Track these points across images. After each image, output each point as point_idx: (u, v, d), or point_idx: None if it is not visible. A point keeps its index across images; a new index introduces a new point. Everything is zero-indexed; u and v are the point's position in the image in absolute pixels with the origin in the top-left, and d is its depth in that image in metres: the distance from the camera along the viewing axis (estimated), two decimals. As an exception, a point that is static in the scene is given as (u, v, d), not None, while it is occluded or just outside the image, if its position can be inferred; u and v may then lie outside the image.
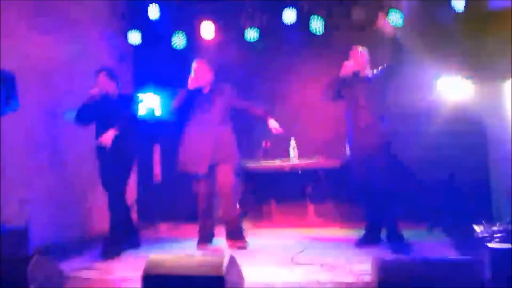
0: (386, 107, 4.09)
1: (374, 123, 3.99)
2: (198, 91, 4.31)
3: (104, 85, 4.27)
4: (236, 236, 4.30)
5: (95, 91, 4.20)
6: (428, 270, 2.52)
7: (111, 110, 4.24)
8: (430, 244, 4.20)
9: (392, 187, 4.01)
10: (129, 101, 4.43)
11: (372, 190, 4.01)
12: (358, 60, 4.13)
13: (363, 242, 4.14)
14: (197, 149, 4.23)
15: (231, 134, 4.39)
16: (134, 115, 4.44)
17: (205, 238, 4.34)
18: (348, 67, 4.08)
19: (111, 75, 4.36)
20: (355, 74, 4.13)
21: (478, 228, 3.46)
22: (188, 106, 4.30)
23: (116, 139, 4.14)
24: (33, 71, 4.39)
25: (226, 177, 4.25)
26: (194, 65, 4.38)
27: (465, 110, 5.06)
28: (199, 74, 4.31)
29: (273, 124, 4.37)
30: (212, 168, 4.25)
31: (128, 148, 4.33)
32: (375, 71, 4.18)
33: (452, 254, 3.78)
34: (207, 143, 4.21)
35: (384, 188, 3.96)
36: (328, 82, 4.23)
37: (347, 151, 4.24)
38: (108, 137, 4.11)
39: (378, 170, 3.96)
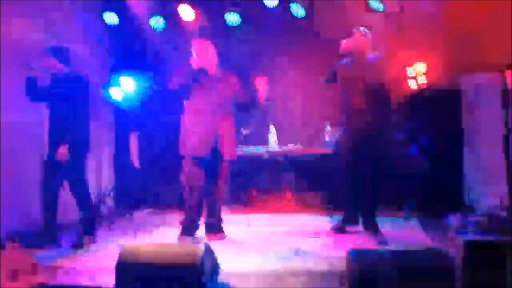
0: (383, 93, 4.02)
1: (370, 108, 3.93)
2: (202, 72, 4.10)
3: (51, 65, 4.13)
4: (216, 228, 4.25)
5: (44, 69, 4.10)
6: (400, 260, 2.55)
7: (59, 90, 4.09)
8: (406, 233, 4.25)
9: (376, 174, 4.00)
10: (78, 82, 4.21)
11: (359, 175, 4.00)
12: (358, 40, 4.05)
13: (341, 225, 4.18)
14: (200, 132, 4.06)
15: (233, 125, 4.22)
16: (82, 96, 4.20)
17: (189, 230, 4.17)
18: (347, 44, 4.02)
19: (57, 54, 4.18)
20: (355, 56, 4.06)
21: (452, 219, 3.51)
22: (189, 87, 4.10)
23: (66, 123, 4.03)
24: (8, 54, 4.25)
25: (223, 168, 4.18)
26: (195, 45, 4.16)
27: (441, 99, 5.10)
28: (203, 55, 4.10)
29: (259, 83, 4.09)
30: (212, 153, 4.10)
31: (80, 131, 4.17)
32: (376, 54, 4.08)
33: (426, 244, 3.83)
34: (210, 128, 4.05)
35: (369, 174, 3.96)
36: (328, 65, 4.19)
37: (338, 135, 4.21)
38: (63, 153, 4.00)
39: (368, 156, 3.95)
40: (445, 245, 3.17)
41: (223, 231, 4.27)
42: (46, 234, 4.13)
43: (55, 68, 4.14)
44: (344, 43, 4.07)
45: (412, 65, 5.02)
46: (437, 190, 4.88)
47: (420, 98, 5.14)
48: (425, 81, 5.01)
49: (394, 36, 4.97)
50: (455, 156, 5.06)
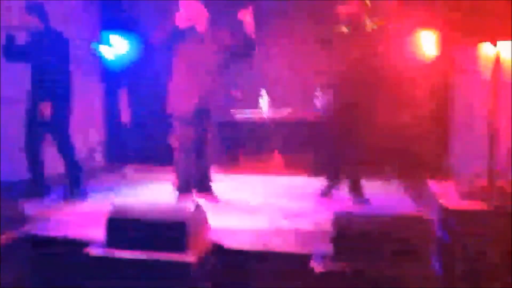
0: (378, 60, 4.00)
1: (363, 75, 3.92)
2: (190, 30, 4.01)
3: (25, 20, 4.07)
4: (206, 188, 4.27)
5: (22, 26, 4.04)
6: (382, 224, 2.65)
7: (37, 48, 4.05)
8: (388, 198, 4.35)
9: (365, 139, 4.04)
10: (56, 39, 4.16)
11: (348, 140, 4.04)
12: (356, 7, 3.99)
13: (327, 191, 4.23)
14: (185, 91, 4.04)
15: (219, 82, 4.17)
16: (61, 53, 4.16)
17: (185, 191, 4.13)
18: (345, 11, 3.96)
19: (33, 11, 4.10)
20: (353, 25, 3.99)
21: (433, 183, 3.61)
22: (175, 44, 4.02)
23: (47, 81, 4.02)
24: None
25: (209, 125, 4.18)
26: (183, 4, 4.02)
27: (433, 64, 5.12)
28: (190, 11, 3.99)
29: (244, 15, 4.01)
30: (198, 113, 4.07)
31: (61, 88, 4.15)
32: (372, 25, 4.05)
33: (407, 208, 3.93)
34: (195, 86, 4.01)
35: (358, 139, 4.02)
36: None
37: (329, 99, 4.22)
38: (46, 111, 4.00)
39: (359, 121, 3.98)
40: (425, 210, 3.28)
41: (212, 191, 4.31)
42: (33, 186, 4.18)
43: (32, 25, 4.05)
44: (341, 9, 4.00)
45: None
46: (420, 154, 4.96)
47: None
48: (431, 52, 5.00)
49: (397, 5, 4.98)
50: (440, 119, 5.13)
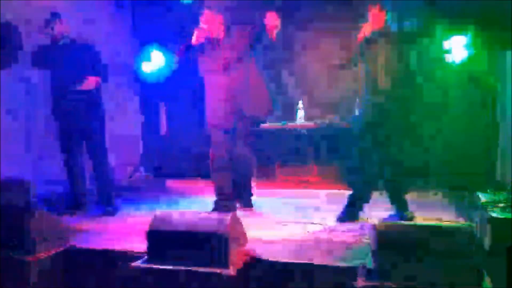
0: (409, 67, 3.85)
1: (394, 85, 3.80)
2: (210, 43, 4.11)
3: (63, 30, 4.15)
4: (246, 202, 4.28)
5: (63, 34, 4.12)
6: (425, 235, 2.55)
7: (69, 57, 4.13)
8: (434, 209, 4.20)
9: (402, 152, 3.88)
10: (88, 50, 4.25)
11: (380, 155, 3.90)
12: (377, 20, 3.85)
13: (344, 218, 3.95)
14: (219, 104, 4.10)
15: (249, 85, 4.13)
16: (94, 65, 4.24)
17: (223, 205, 4.11)
18: (366, 28, 3.83)
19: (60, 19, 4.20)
20: (375, 33, 3.87)
21: (482, 196, 3.46)
22: (196, 57, 4.12)
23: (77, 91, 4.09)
24: (32, 19, 4.32)
25: (246, 137, 4.18)
26: (203, 17, 4.12)
27: (475, 72, 4.97)
28: (211, 23, 4.07)
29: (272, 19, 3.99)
30: (236, 124, 4.12)
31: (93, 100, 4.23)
32: (399, 28, 3.94)
33: (455, 220, 3.80)
34: (227, 98, 4.07)
35: (393, 153, 3.86)
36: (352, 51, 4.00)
37: (360, 112, 4.13)
38: (92, 82, 4.08)
39: (392, 135, 3.83)
40: (473, 222, 3.15)
41: (251, 205, 4.29)
42: (74, 200, 4.27)
43: (65, 32, 4.14)
44: (361, 31, 3.84)
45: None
46: (468, 165, 4.80)
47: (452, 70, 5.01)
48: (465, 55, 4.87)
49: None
50: (488, 130, 4.95)
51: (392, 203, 3.95)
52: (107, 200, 4.26)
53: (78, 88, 4.09)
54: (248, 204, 4.30)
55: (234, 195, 4.23)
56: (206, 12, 4.15)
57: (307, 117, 5.53)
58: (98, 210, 4.27)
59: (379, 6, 3.84)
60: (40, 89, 4.48)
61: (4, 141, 4.13)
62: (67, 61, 4.10)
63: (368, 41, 3.83)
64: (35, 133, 4.54)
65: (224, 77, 4.09)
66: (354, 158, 4.03)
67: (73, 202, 4.27)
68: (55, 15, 4.15)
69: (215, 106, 4.13)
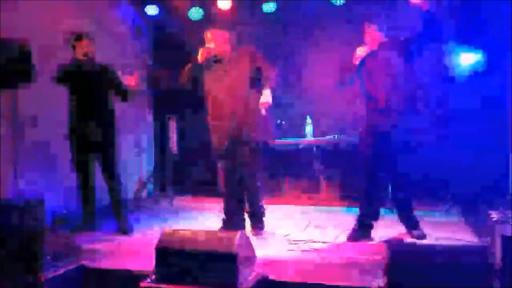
0: (406, 83, 3.78)
1: (390, 101, 3.73)
2: (215, 61, 4.01)
3: (89, 49, 4.20)
4: (256, 220, 4.14)
5: (84, 53, 4.15)
6: (438, 255, 2.52)
7: (92, 78, 4.18)
8: (446, 227, 4.16)
9: (406, 168, 3.80)
10: (111, 72, 4.30)
11: (383, 172, 3.85)
12: (371, 40, 3.81)
13: (354, 238, 3.88)
14: (217, 124, 3.99)
15: (253, 108, 3.93)
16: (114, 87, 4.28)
17: (230, 224, 4.00)
18: (361, 52, 3.79)
19: (94, 40, 4.27)
20: (370, 52, 3.82)
21: (494, 213, 3.41)
22: (197, 78, 4.02)
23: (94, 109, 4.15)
24: (49, 43, 4.39)
25: (246, 157, 3.97)
26: (208, 34, 4.02)
27: (487, 87, 4.94)
28: (215, 43, 3.97)
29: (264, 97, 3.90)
30: (233, 146, 3.96)
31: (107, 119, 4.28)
32: (394, 43, 3.83)
33: (467, 238, 3.75)
34: (225, 118, 3.95)
35: (397, 169, 3.80)
36: (342, 71, 3.96)
37: (360, 130, 4.02)
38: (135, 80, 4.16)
39: (392, 153, 3.76)
40: (487, 240, 3.10)
41: (262, 227, 4.13)
42: (85, 219, 4.26)
43: (88, 52, 4.19)
44: (356, 55, 3.80)
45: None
46: (481, 182, 4.75)
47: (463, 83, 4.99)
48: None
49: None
50: (501, 144, 4.90)
51: (401, 221, 3.90)
52: (121, 217, 4.25)
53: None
54: (258, 227, 4.14)
55: (243, 214, 4.16)
56: (212, 30, 4.06)
57: (315, 133, 5.53)
58: (111, 227, 4.26)
59: (376, 26, 3.78)
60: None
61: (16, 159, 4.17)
62: (87, 80, 4.16)
63: (364, 61, 3.80)
64: (47, 150, 4.57)
65: (227, 97, 3.93)
66: (358, 175, 3.96)
67: (84, 220, 4.27)
68: (79, 35, 4.22)
69: (214, 126, 4.02)
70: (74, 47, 4.18)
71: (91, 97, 4.17)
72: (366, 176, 3.86)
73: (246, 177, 4.03)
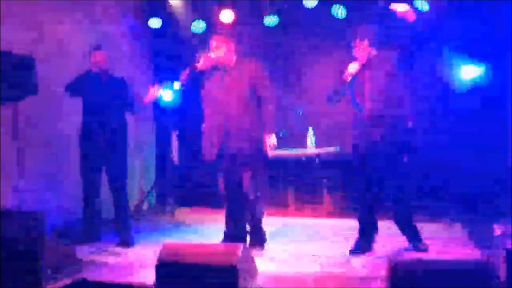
0: (399, 94, 3.74)
1: (382, 113, 3.68)
2: (217, 71, 3.92)
3: (103, 63, 4.22)
4: (256, 236, 4.01)
5: (98, 65, 4.16)
6: (440, 268, 2.49)
7: (104, 89, 4.18)
8: (449, 240, 4.12)
9: (402, 178, 3.78)
10: (123, 84, 4.31)
11: (378, 183, 3.80)
12: (362, 55, 3.78)
13: (357, 250, 3.83)
14: (211, 135, 3.91)
15: (252, 120, 3.86)
16: (126, 99, 4.30)
17: (232, 239, 3.86)
18: (353, 70, 3.76)
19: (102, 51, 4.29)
20: (369, 59, 3.79)
21: (498, 228, 3.38)
22: (196, 86, 3.96)
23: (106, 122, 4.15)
24: (52, 56, 4.42)
25: (253, 169, 3.87)
26: (213, 42, 3.93)
27: (489, 101, 4.93)
28: (217, 51, 3.88)
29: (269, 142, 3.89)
30: (232, 156, 3.86)
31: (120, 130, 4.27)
32: (385, 55, 3.80)
33: (470, 253, 3.71)
34: (218, 127, 3.86)
35: (392, 180, 3.77)
36: (333, 89, 3.92)
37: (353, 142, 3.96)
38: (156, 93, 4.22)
39: (385, 163, 3.72)
40: (489, 255, 3.07)
41: (262, 242, 4.00)
42: (88, 230, 4.24)
43: (101, 63, 4.20)
44: (347, 72, 3.76)
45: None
46: (484, 194, 4.72)
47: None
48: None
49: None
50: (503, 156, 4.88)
51: (403, 233, 3.84)
52: (124, 230, 4.22)
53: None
54: (258, 244, 3.99)
55: (245, 226, 4.06)
56: (216, 37, 3.98)
57: (317, 144, 5.51)
58: (112, 239, 4.23)
59: (367, 41, 3.76)
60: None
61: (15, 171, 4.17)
62: (98, 90, 4.17)
63: (354, 78, 3.78)
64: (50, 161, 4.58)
65: (221, 109, 3.84)
66: (355, 187, 3.94)
67: (88, 232, 4.25)
68: (96, 46, 4.26)
69: (209, 135, 3.94)
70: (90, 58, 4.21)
71: (103, 109, 4.17)
72: (360, 186, 3.84)
73: (250, 192, 3.91)
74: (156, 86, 4.33)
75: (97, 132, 4.17)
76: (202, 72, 3.92)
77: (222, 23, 5.56)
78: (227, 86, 3.89)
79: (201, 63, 3.88)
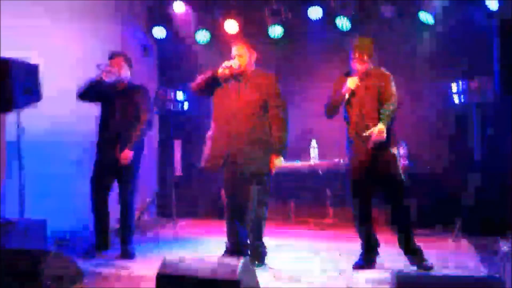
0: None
1: (373, 123, 3.62)
2: (234, 78, 3.76)
3: (120, 69, 4.15)
4: (257, 252, 3.88)
5: (109, 70, 4.07)
6: (446, 285, 2.44)
7: (119, 96, 4.14)
8: (454, 256, 4.08)
9: (398, 194, 3.70)
10: (140, 92, 4.23)
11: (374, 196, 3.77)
12: (360, 69, 3.76)
13: (360, 266, 3.76)
14: (216, 144, 3.78)
15: (260, 136, 3.75)
16: (144, 107, 4.21)
17: (232, 252, 3.70)
18: (352, 85, 3.72)
19: (129, 61, 4.25)
20: (364, 75, 3.77)
21: (504, 243, 3.33)
22: (210, 93, 3.82)
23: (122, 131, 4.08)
24: (57, 64, 4.43)
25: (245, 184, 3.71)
26: (235, 50, 3.80)
27: (488, 114, 4.90)
28: (239, 61, 3.74)
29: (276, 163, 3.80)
30: (233, 167, 3.72)
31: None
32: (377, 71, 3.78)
33: (476, 268, 3.67)
34: (227, 140, 3.73)
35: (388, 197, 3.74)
36: (329, 103, 3.89)
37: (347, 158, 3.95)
38: (128, 157, 4.05)
39: (378, 178, 3.69)
40: (496, 270, 3.02)
41: (263, 256, 3.90)
42: (99, 242, 4.16)
43: (124, 74, 4.16)
44: (345, 88, 3.73)
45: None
46: (489, 209, 4.65)
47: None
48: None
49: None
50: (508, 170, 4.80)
51: (405, 253, 3.72)
52: (126, 243, 4.16)
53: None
54: (260, 258, 3.89)
55: (247, 239, 3.91)
56: (239, 45, 3.82)
57: (321, 156, 5.48)
58: (115, 251, 4.18)
59: (366, 56, 3.72)
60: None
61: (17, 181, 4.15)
62: (113, 99, 4.13)
63: (353, 92, 3.75)
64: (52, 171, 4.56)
65: (232, 117, 3.72)
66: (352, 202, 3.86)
67: (93, 243, 4.19)
68: (112, 54, 4.21)
69: (213, 144, 3.81)
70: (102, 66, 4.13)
71: (117, 118, 4.11)
72: (355, 202, 3.79)
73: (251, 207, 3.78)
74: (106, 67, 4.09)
75: (114, 142, 4.09)
76: (217, 80, 3.77)
77: (227, 34, 5.57)
78: (241, 97, 3.75)
79: (221, 71, 3.73)
